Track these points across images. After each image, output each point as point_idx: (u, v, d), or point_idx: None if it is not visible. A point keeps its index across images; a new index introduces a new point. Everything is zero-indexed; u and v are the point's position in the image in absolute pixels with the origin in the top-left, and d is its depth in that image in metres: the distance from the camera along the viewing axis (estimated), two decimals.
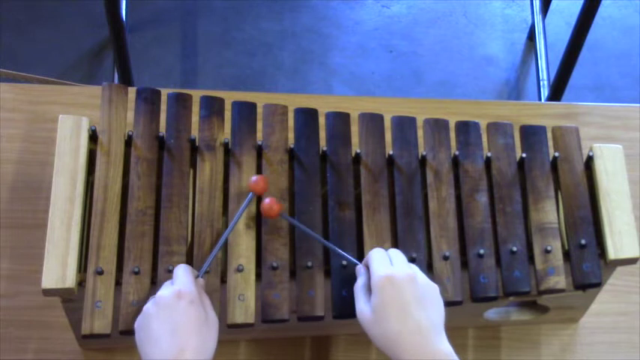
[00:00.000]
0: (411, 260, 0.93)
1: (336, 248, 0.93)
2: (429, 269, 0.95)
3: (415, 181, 0.99)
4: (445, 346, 0.84)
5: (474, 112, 1.23)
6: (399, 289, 0.84)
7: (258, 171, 0.97)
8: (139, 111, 0.97)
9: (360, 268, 0.90)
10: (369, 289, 0.87)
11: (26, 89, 1.23)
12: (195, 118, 0.98)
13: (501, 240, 0.97)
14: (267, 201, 0.92)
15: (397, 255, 0.90)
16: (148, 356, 0.82)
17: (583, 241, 0.97)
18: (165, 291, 0.84)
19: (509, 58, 2.32)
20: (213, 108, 0.99)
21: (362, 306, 0.86)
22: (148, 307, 0.84)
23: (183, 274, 0.86)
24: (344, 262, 0.93)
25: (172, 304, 0.83)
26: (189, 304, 0.83)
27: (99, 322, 0.88)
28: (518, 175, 1.00)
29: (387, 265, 0.87)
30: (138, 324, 0.85)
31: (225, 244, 0.93)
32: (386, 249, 0.91)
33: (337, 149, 1.00)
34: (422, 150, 1.01)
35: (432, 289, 0.88)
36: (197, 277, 0.88)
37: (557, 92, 2.11)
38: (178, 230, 0.92)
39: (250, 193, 0.92)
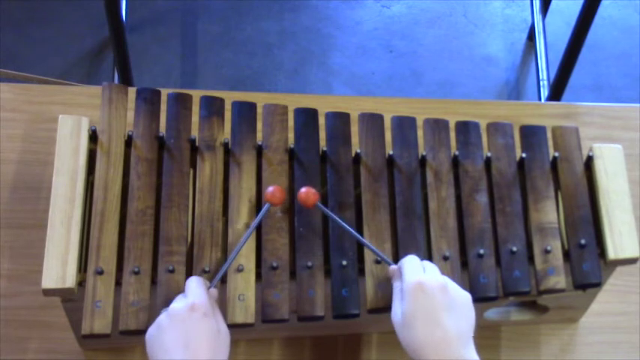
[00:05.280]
0: None
1: (371, 245, 0.93)
2: None
3: (415, 181, 0.99)
4: (472, 357, 0.84)
5: (474, 112, 1.23)
6: (429, 296, 0.85)
7: (259, 171, 0.97)
8: (139, 111, 0.97)
9: (393, 270, 0.91)
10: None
11: (26, 89, 1.22)
12: (195, 118, 0.98)
13: (501, 240, 0.97)
14: (303, 190, 0.91)
15: (430, 265, 0.91)
16: None
17: (583, 241, 0.97)
18: (178, 304, 0.85)
19: (509, 58, 2.32)
20: (213, 108, 0.99)
21: (396, 308, 0.87)
22: (161, 319, 0.85)
23: (195, 286, 0.87)
24: (344, 262, 0.93)
25: (185, 317, 0.83)
26: (202, 317, 0.83)
27: (99, 322, 0.88)
28: (518, 175, 1.00)
29: (419, 271, 0.88)
30: (149, 335, 0.85)
31: (226, 245, 0.93)
32: (416, 254, 0.92)
33: (337, 149, 1.00)
34: (422, 150, 1.01)
35: (464, 298, 0.88)
36: (209, 288, 0.88)
37: (557, 92, 2.11)
38: (178, 230, 0.92)
39: (267, 204, 0.91)
